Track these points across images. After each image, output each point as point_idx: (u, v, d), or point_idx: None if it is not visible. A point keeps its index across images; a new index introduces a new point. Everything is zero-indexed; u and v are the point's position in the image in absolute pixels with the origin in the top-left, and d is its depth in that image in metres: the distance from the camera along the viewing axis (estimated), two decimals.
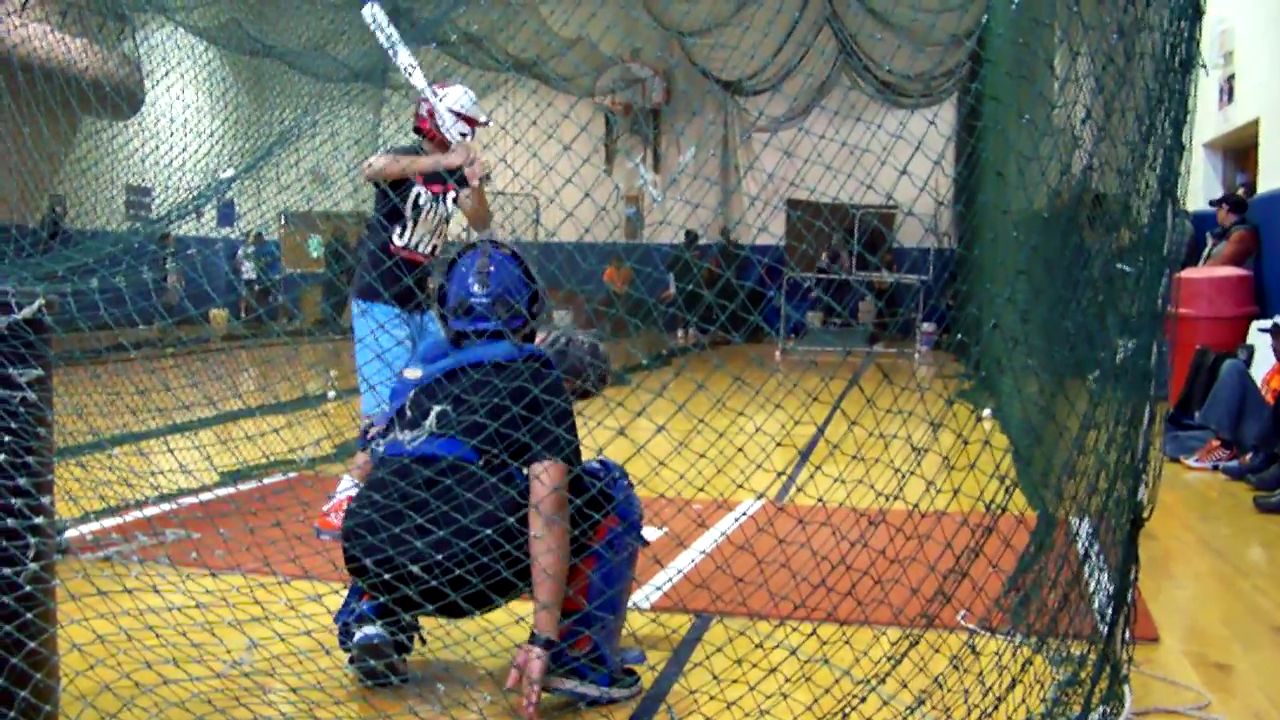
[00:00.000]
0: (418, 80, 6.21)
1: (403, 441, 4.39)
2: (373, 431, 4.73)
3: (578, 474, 4.30)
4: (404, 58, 6.15)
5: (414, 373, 4.57)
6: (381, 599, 4.24)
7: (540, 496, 4.15)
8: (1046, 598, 4.10)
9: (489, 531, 4.09)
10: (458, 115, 6.48)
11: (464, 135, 6.43)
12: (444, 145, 6.46)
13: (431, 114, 6.47)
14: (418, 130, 6.75)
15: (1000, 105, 6.57)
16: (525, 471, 4.25)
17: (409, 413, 4.44)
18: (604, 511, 4.33)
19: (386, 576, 4.14)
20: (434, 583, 4.06)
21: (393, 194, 6.54)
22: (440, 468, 4.25)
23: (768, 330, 21.44)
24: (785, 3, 21.48)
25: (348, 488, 6.55)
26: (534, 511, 4.14)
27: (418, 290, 6.61)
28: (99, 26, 11.28)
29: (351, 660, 4.40)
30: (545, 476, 4.18)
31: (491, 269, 4.61)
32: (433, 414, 4.35)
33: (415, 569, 4.08)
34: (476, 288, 4.59)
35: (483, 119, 6.65)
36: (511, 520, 4.15)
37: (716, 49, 22.13)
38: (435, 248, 6.73)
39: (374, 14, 6.17)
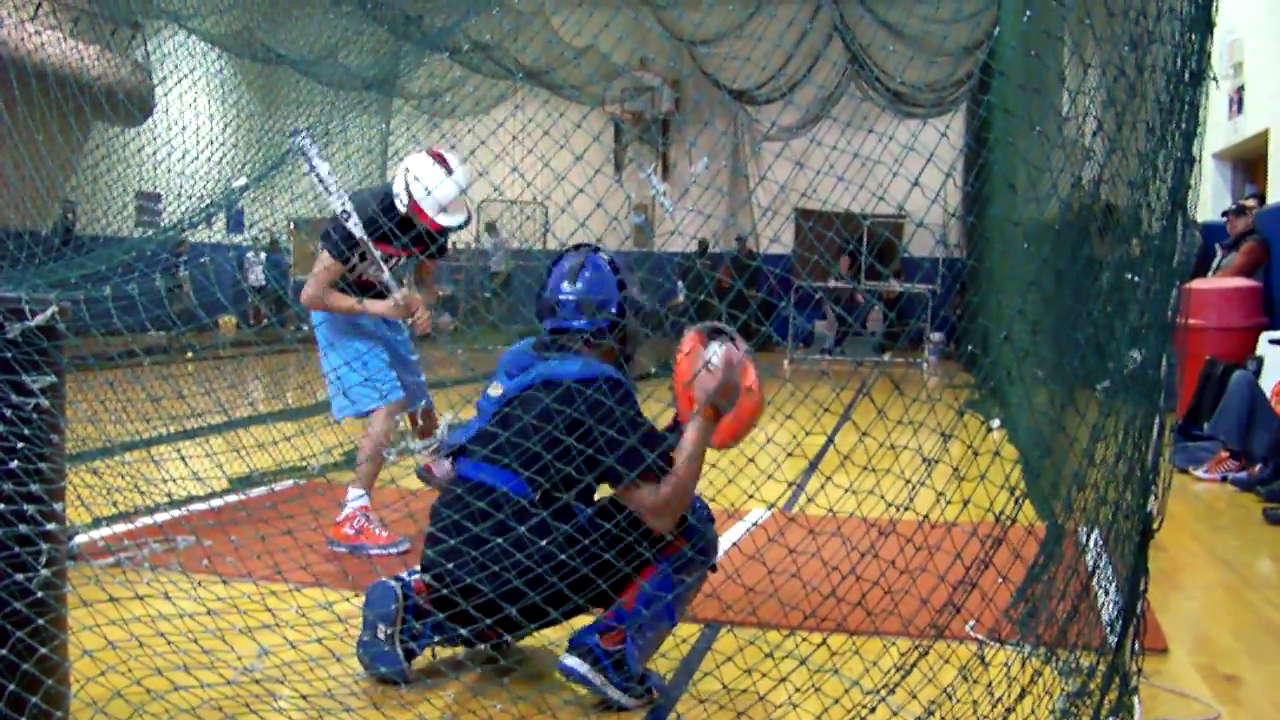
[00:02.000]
0: (355, 229, 6.19)
1: (471, 459, 4.45)
2: (442, 443, 4.74)
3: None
4: (335, 202, 6.12)
5: (496, 389, 4.55)
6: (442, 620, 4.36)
7: (642, 512, 4.26)
8: (1055, 609, 4.10)
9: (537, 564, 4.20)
10: (441, 210, 6.38)
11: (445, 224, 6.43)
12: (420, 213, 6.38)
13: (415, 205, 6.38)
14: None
15: (1011, 117, 6.57)
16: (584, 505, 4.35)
17: (486, 434, 4.43)
18: (674, 533, 4.37)
19: (455, 598, 4.29)
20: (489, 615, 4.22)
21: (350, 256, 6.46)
22: (494, 499, 4.30)
23: (778, 341, 21.43)
24: (796, 13, 21.50)
25: (357, 498, 6.56)
26: (651, 519, 4.26)
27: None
28: (111, 33, 11.32)
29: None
30: (630, 497, 4.26)
31: (585, 271, 4.59)
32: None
33: (482, 587, 4.21)
34: (565, 285, 4.58)
35: (456, 221, 6.44)
36: (564, 556, 4.20)
37: (727, 59, 22.13)
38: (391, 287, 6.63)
39: (302, 147, 6.13)
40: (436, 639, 4.48)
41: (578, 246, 4.72)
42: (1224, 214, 12.62)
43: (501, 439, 4.34)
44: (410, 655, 4.43)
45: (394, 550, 6.42)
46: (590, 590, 4.24)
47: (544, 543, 4.19)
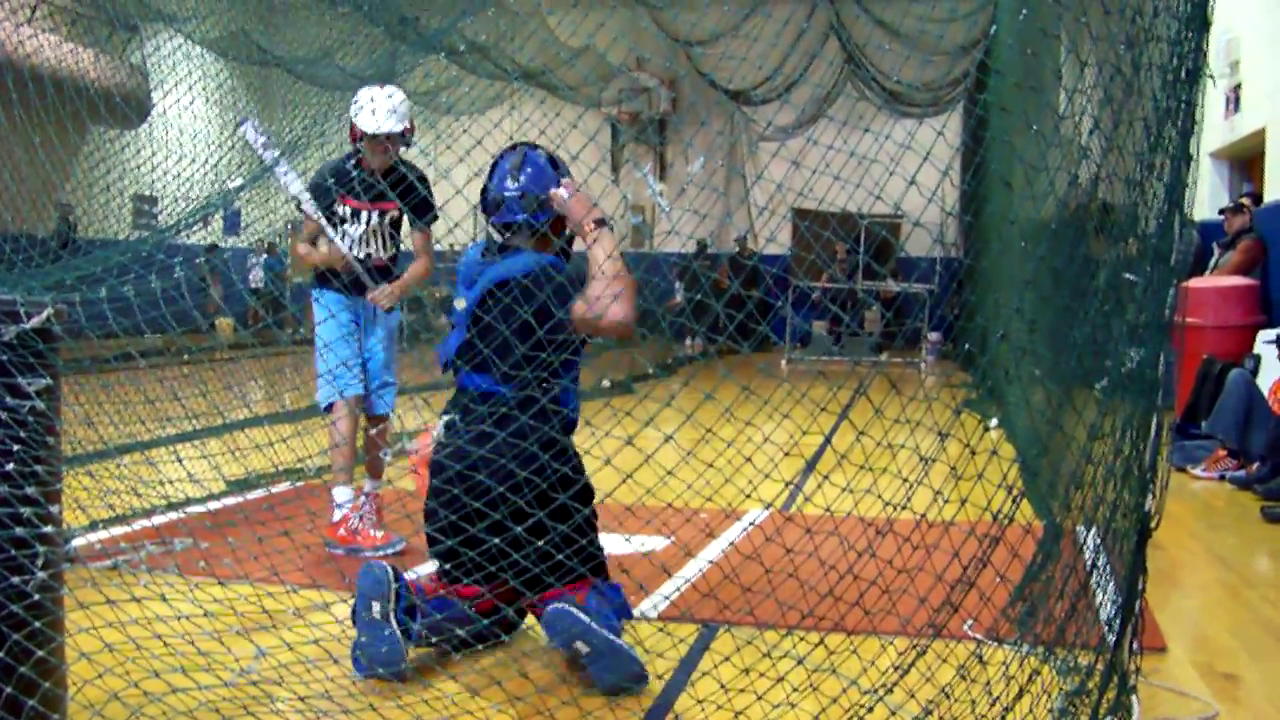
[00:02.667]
0: (308, 208, 6.36)
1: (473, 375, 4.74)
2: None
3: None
4: (291, 185, 6.24)
5: (460, 303, 4.82)
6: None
7: (594, 306, 4.57)
8: (1053, 607, 4.10)
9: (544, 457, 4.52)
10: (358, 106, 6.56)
11: (377, 155, 6.54)
12: (352, 134, 6.60)
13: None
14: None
15: (1008, 115, 6.57)
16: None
17: (467, 352, 4.74)
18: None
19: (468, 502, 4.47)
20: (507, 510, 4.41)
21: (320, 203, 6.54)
22: (493, 401, 4.62)
23: (776, 340, 21.45)
24: (793, 13, 21.50)
25: (345, 499, 6.56)
26: (596, 281, 4.59)
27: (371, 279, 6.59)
28: (108, 36, 11.31)
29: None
30: (579, 308, 4.61)
31: (527, 168, 4.85)
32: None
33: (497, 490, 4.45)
34: (509, 182, 4.84)
35: (377, 125, 6.51)
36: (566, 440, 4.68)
37: (724, 59, 22.14)
38: (370, 254, 6.65)
39: (250, 132, 6.21)
40: (433, 639, 4.49)
41: (515, 145, 4.99)
42: (1221, 211, 12.62)
43: (481, 351, 4.66)
44: (408, 635, 4.44)
45: (389, 551, 6.43)
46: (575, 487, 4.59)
47: (542, 432, 4.56)
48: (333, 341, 6.54)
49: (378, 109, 6.48)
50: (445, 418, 4.75)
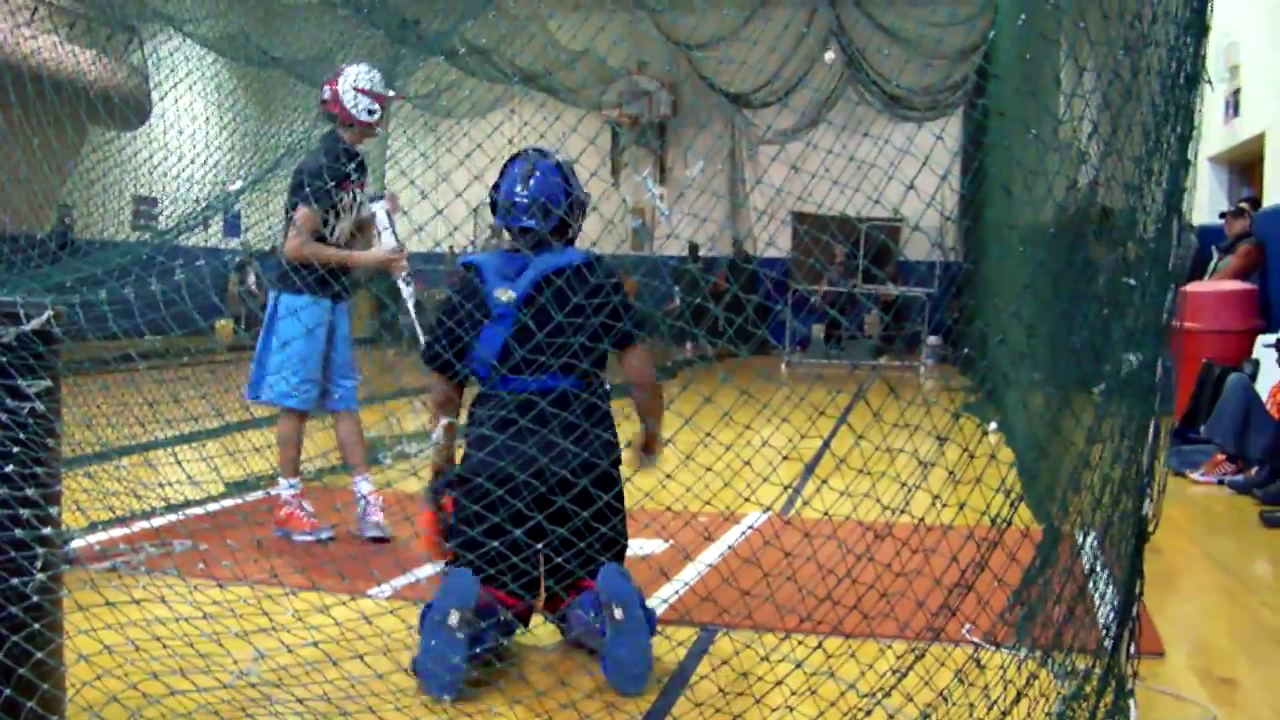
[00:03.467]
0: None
1: (523, 376, 4.80)
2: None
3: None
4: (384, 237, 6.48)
5: (506, 293, 4.85)
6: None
7: (638, 371, 4.99)
8: (1051, 611, 4.10)
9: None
10: (362, 92, 6.68)
11: (372, 113, 6.71)
12: (360, 126, 6.73)
13: (336, 96, 6.67)
14: (329, 116, 6.83)
15: (1007, 120, 6.57)
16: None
17: (519, 341, 4.78)
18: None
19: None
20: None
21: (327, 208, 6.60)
22: (559, 399, 4.73)
23: (774, 344, 21.44)
24: (793, 17, 21.49)
25: (289, 486, 6.67)
26: (636, 387, 4.95)
27: (334, 278, 6.61)
28: (107, 38, 11.31)
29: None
30: (637, 357, 4.97)
31: (536, 174, 4.95)
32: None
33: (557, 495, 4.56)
34: (519, 189, 4.94)
35: (389, 93, 6.79)
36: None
37: (724, 63, 22.13)
38: (350, 238, 6.71)
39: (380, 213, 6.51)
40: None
41: (525, 151, 5.09)
42: (1221, 215, 12.61)
43: (538, 338, 4.74)
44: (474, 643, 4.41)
45: (318, 537, 6.51)
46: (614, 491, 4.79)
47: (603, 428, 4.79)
48: (297, 349, 6.57)
49: (369, 67, 6.79)
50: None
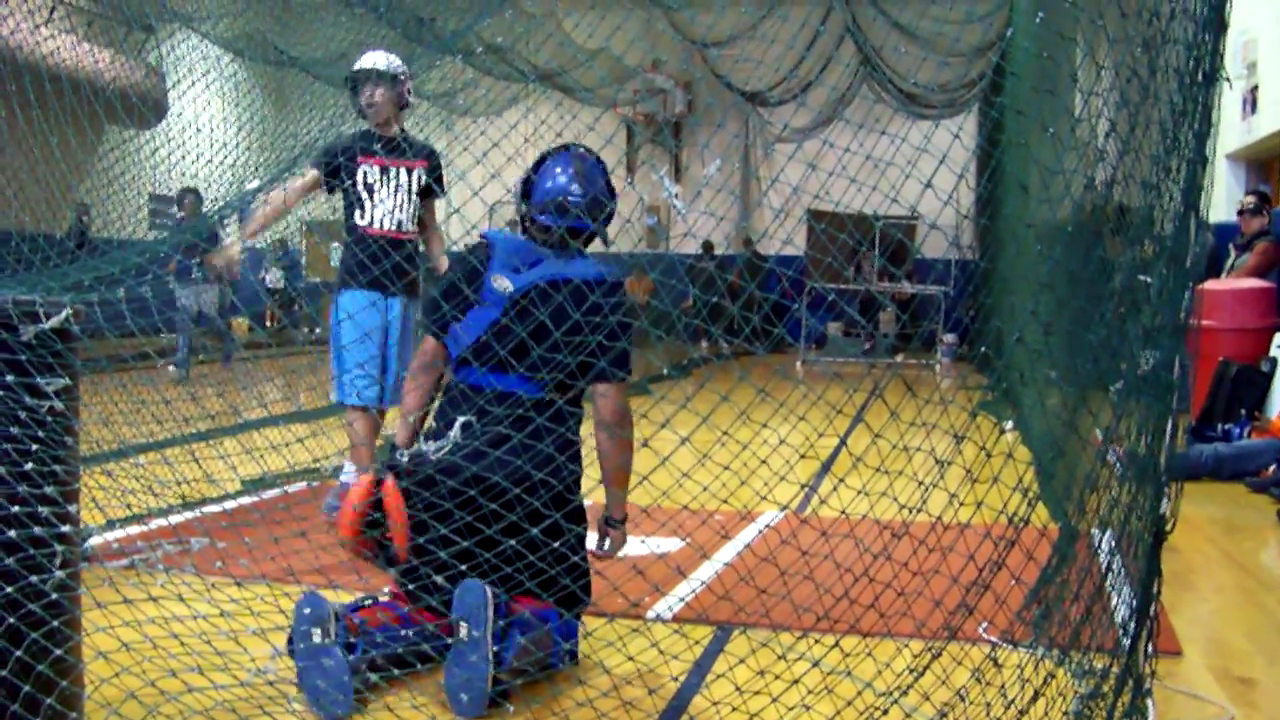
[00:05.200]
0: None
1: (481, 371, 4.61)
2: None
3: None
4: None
5: (504, 283, 4.67)
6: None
7: (605, 409, 4.58)
8: (1069, 611, 4.10)
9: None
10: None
11: (370, 106, 6.75)
12: (383, 115, 6.77)
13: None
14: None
15: (1024, 118, 6.56)
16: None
17: (500, 338, 4.58)
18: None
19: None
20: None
21: (334, 180, 6.71)
22: (525, 405, 4.52)
23: (791, 342, 21.44)
24: (808, 15, 21.48)
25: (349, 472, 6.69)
26: (599, 425, 4.57)
27: (391, 273, 6.65)
28: (124, 37, 11.34)
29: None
30: (609, 395, 4.58)
31: (595, 176, 4.80)
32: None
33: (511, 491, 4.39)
34: (575, 188, 4.74)
35: (385, 66, 6.74)
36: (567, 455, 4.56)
37: (740, 61, 22.13)
38: (401, 222, 6.74)
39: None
40: (374, 677, 4.37)
41: (570, 147, 4.91)
42: (1240, 213, 12.57)
43: (517, 338, 4.54)
44: (351, 650, 4.30)
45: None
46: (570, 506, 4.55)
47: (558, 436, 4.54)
48: (351, 344, 6.59)
49: (368, 52, 6.80)
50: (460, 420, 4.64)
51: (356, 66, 6.73)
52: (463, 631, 4.15)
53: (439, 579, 4.37)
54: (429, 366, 4.81)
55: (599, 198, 4.78)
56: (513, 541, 4.33)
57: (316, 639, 4.23)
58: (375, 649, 4.35)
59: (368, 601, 4.58)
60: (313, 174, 6.68)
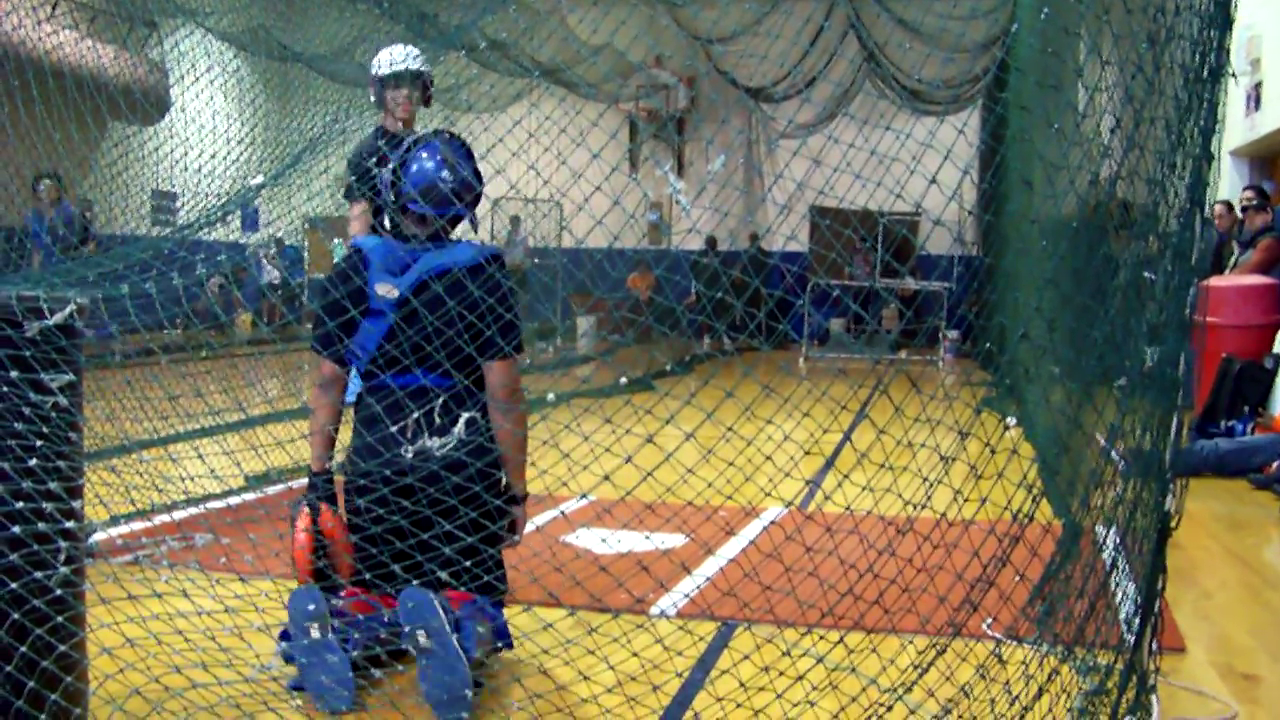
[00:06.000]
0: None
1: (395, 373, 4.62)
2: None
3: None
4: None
5: (388, 289, 4.62)
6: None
7: (495, 385, 4.52)
8: (1073, 607, 4.10)
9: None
10: (377, 79, 6.74)
11: (393, 99, 6.71)
12: (411, 115, 6.74)
13: (371, 86, 6.80)
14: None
15: (1029, 114, 6.56)
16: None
17: (394, 338, 4.58)
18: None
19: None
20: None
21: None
22: (437, 398, 4.56)
23: (795, 338, 21.43)
24: (812, 11, 21.48)
25: None
26: (492, 401, 4.50)
27: None
28: (127, 32, 11.34)
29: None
30: (497, 371, 4.55)
31: (460, 160, 4.72)
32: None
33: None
34: (446, 174, 4.67)
35: (417, 66, 6.70)
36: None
37: (743, 56, 22.12)
38: None
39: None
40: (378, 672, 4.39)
41: (436, 131, 4.84)
42: (1244, 209, 12.56)
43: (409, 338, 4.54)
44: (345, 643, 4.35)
45: None
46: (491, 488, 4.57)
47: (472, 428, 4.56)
48: None
49: (395, 52, 6.69)
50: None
51: (389, 66, 6.63)
52: (422, 640, 4.17)
53: (395, 568, 4.42)
54: (329, 386, 4.76)
55: (468, 181, 4.71)
56: (472, 539, 4.40)
57: (316, 634, 4.27)
58: (364, 637, 4.42)
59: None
60: (359, 208, 6.60)
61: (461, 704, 4.10)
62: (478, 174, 4.80)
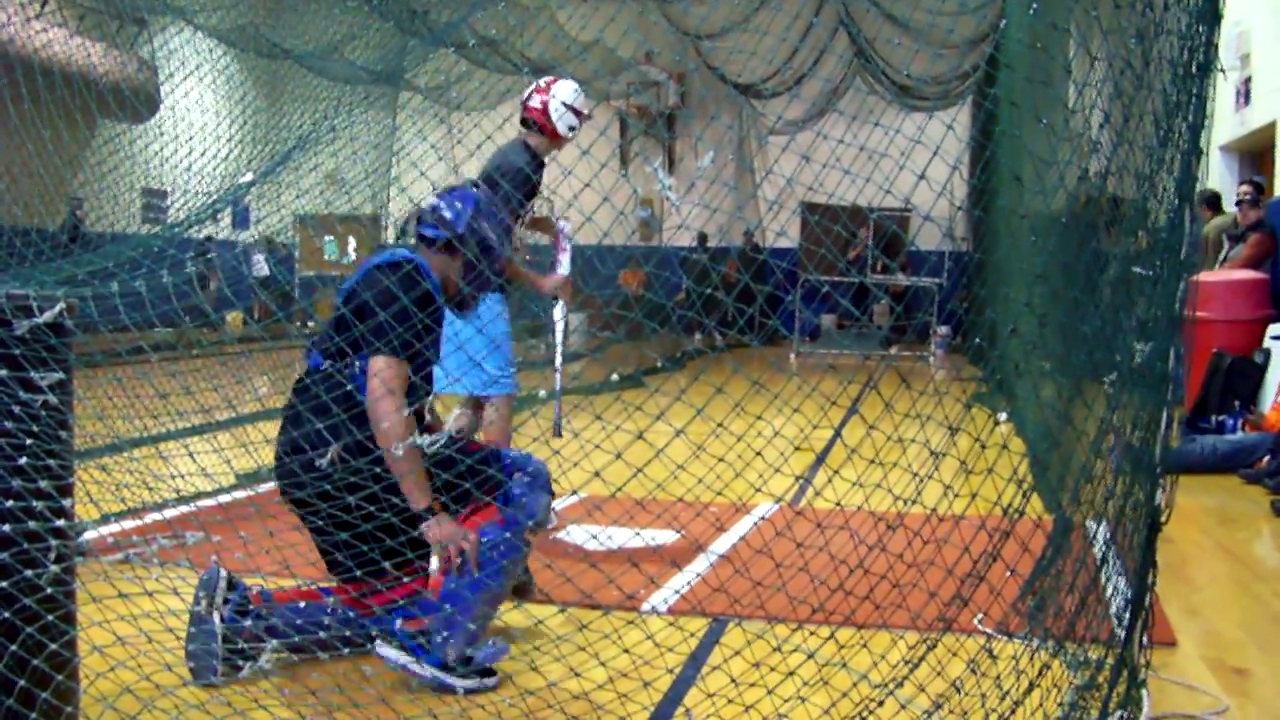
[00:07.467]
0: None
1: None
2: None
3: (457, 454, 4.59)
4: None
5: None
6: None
7: (371, 380, 4.46)
8: (1063, 601, 4.10)
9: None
10: (570, 109, 6.74)
11: (572, 129, 6.76)
12: (555, 139, 6.76)
13: (545, 105, 6.73)
14: (525, 121, 6.84)
15: (1018, 110, 6.56)
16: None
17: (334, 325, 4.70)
18: (483, 501, 4.56)
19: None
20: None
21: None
22: (316, 379, 4.64)
23: (785, 334, 21.45)
24: (802, 7, 21.49)
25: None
26: (373, 388, 4.44)
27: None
28: (116, 30, 11.33)
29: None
30: (373, 363, 4.49)
31: (453, 198, 4.84)
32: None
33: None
34: (434, 198, 4.85)
35: (586, 112, 6.83)
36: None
37: (733, 53, 22.13)
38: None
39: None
40: (274, 643, 4.45)
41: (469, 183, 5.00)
42: (1237, 203, 12.55)
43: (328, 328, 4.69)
44: (225, 621, 4.44)
45: None
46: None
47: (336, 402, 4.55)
48: (503, 341, 6.63)
49: (578, 87, 6.87)
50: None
51: (578, 100, 6.82)
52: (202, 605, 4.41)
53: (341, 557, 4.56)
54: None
55: (439, 208, 4.81)
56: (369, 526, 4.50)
57: (200, 607, 4.41)
58: (274, 620, 4.52)
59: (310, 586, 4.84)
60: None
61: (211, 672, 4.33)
62: (469, 214, 4.82)
